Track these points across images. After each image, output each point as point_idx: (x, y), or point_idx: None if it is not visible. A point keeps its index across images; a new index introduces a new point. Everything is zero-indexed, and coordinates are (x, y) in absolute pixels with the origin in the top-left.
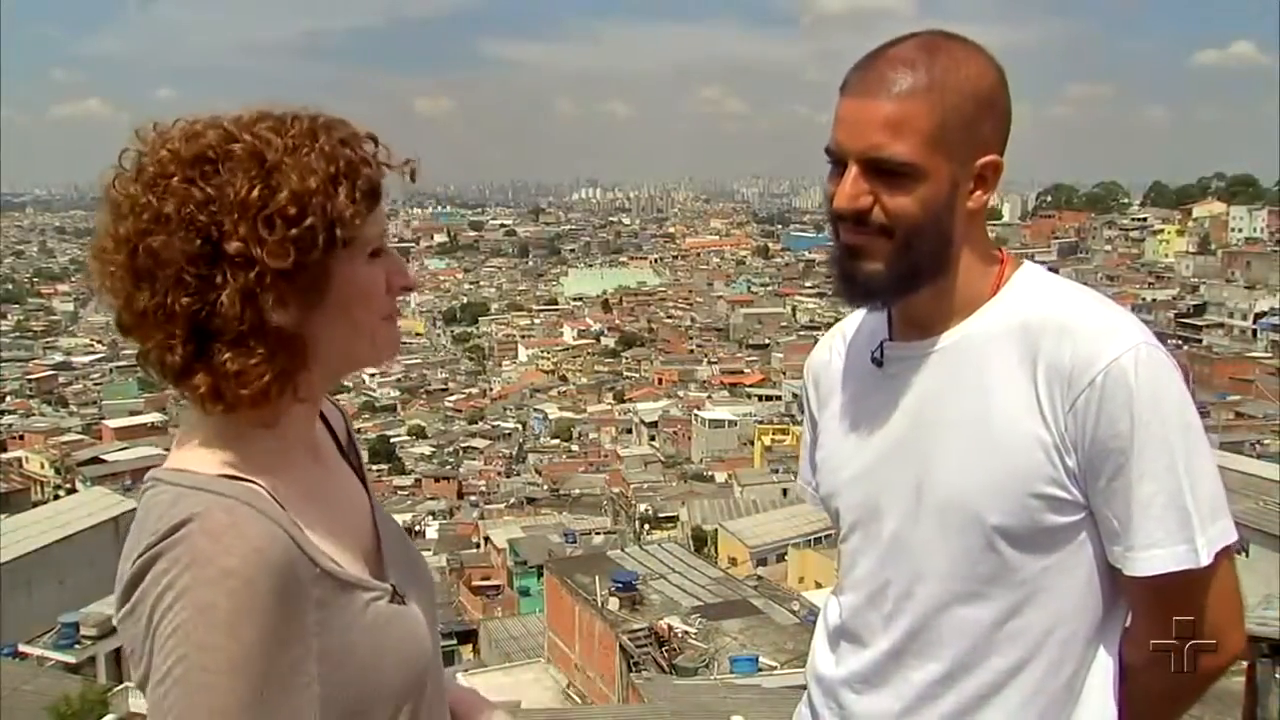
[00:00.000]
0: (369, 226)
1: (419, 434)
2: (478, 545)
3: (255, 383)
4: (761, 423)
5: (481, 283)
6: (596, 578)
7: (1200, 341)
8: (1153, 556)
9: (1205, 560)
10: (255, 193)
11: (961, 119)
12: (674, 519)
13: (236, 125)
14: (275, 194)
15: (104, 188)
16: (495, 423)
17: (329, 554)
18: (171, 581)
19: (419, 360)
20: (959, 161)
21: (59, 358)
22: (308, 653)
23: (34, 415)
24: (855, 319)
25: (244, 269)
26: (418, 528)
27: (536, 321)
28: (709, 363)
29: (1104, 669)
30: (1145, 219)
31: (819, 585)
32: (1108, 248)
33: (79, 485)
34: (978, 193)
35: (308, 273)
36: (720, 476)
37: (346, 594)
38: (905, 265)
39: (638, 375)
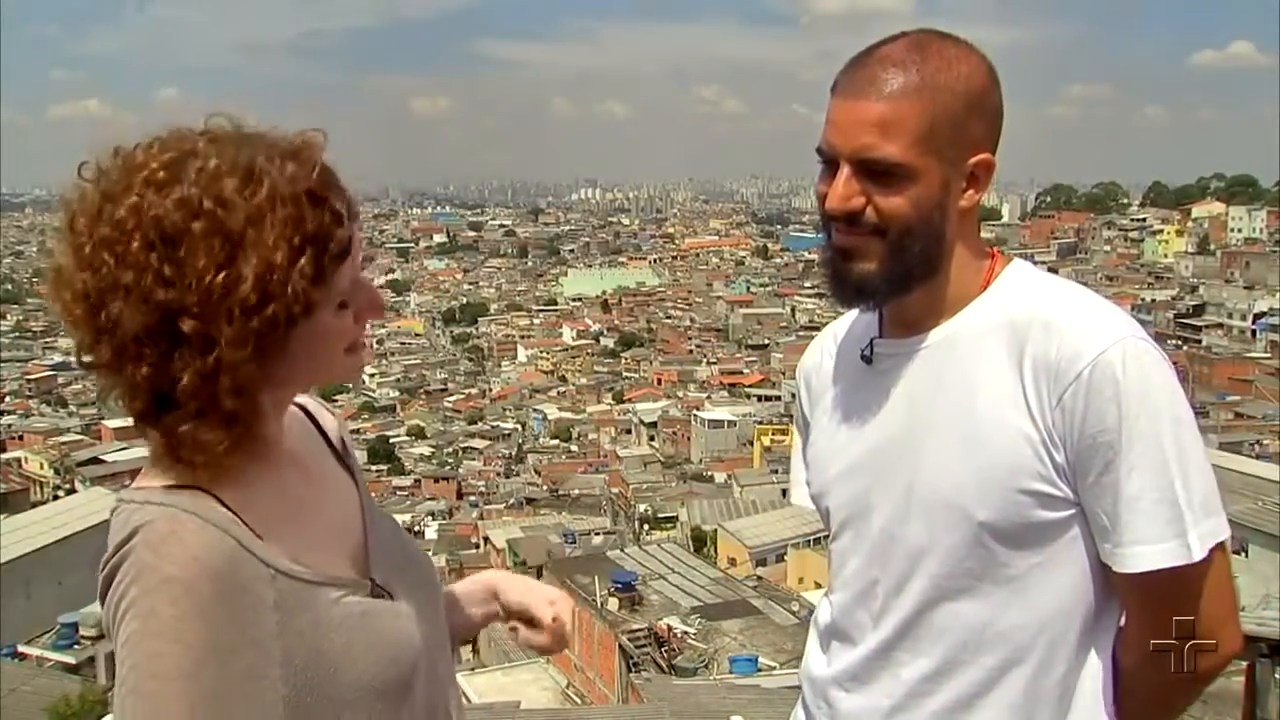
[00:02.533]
0: (337, 282)
1: (418, 434)
2: (477, 546)
3: (212, 451)
4: (761, 423)
5: (481, 283)
6: (596, 578)
7: (1199, 342)
8: (1142, 553)
9: (1198, 556)
10: (220, 279)
11: (952, 119)
12: (673, 519)
13: (200, 184)
14: (239, 282)
15: (66, 216)
16: (494, 423)
17: (293, 555)
18: (123, 594)
19: (418, 360)
20: (950, 161)
21: (58, 358)
22: (266, 656)
23: (33, 415)
24: (846, 320)
25: (202, 353)
26: (417, 528)
27: (536, 322)
28: (708, 363)
29: (1096, 669)
30: (1144, 219)
31: (818, 585)
32: (1107, 248)
33: (78, 485)
34: (970, 191)
35: (268, 345)
36: (720, 477)
37: (310, 592)
38: (898, 265)
39: (637, 375)
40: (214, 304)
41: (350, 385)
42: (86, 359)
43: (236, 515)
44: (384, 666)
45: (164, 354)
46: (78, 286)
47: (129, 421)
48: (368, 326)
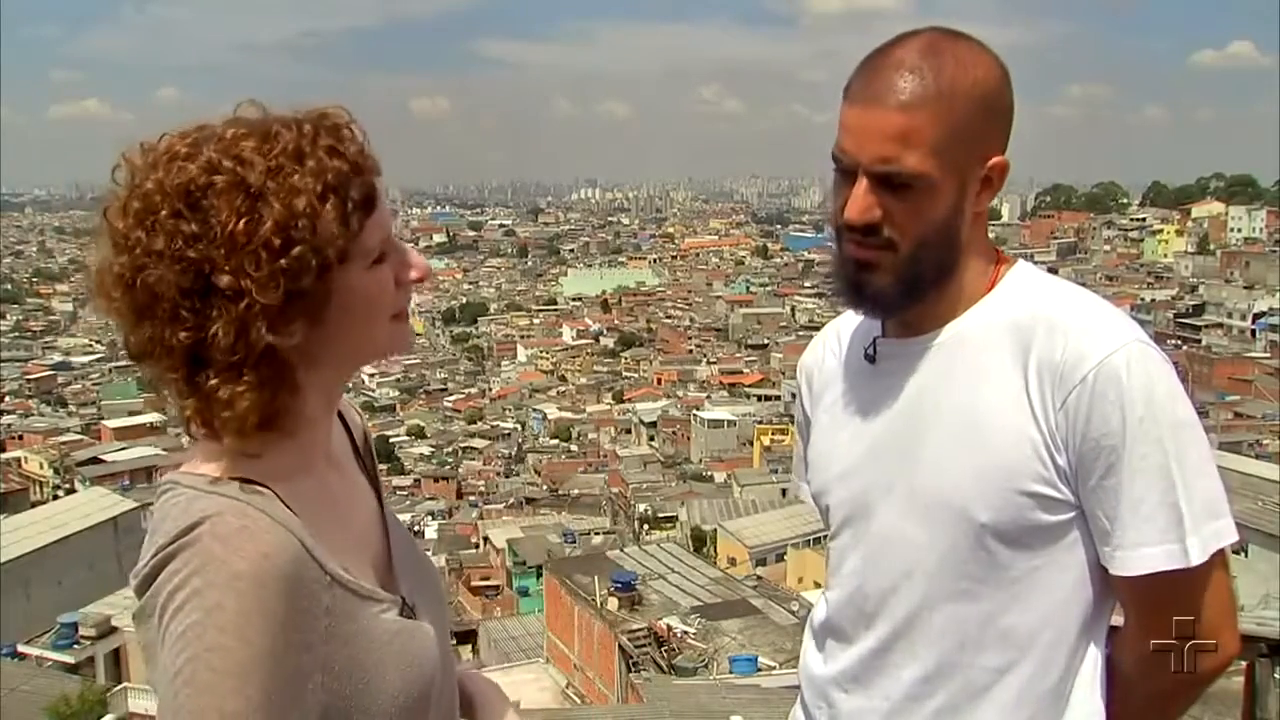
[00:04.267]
0: (367, 235)
1: (418, 434)
2: (477, 545)
3: (238, 407)
4: (761, 423)
5: (480, 283)
6: (596, 578)
7: (1199, 342)
8: (1141, 556)
9: (1195, 560)
10: (241, 226)
11: (970, 126)
12: (673, 519)
13: (220, 149)
14: (260, 225)
15: (101, 215)
16: (494, 423)
17: (341, 562)
18: (182, 583)
19: (418, 360)
20: (966, 167)
21: (58, 358)
22: (314, 660)
23: (33, 415)
24: (849, 318)
25: (235, 302)
26: (417, 528)
27: (535, 322)
28: (708, 363)
29: (1093, 671)
30: (1144, 219)
31: (818, 585)
32: (1107, 248)
33: (78, 485)
34: (983, 195)
35: (304, 297)
36: (719, 476)
37: (356, 603)
38: (913, 277)
39: (637, 375)
40: (239, 250)
41: (350, 385)
42: (133, 348)
43: (296, 516)
44: (411, 685)
45: (200, 313)
46: (115, 271)
47: (129, 421)
48: (412, 296)
